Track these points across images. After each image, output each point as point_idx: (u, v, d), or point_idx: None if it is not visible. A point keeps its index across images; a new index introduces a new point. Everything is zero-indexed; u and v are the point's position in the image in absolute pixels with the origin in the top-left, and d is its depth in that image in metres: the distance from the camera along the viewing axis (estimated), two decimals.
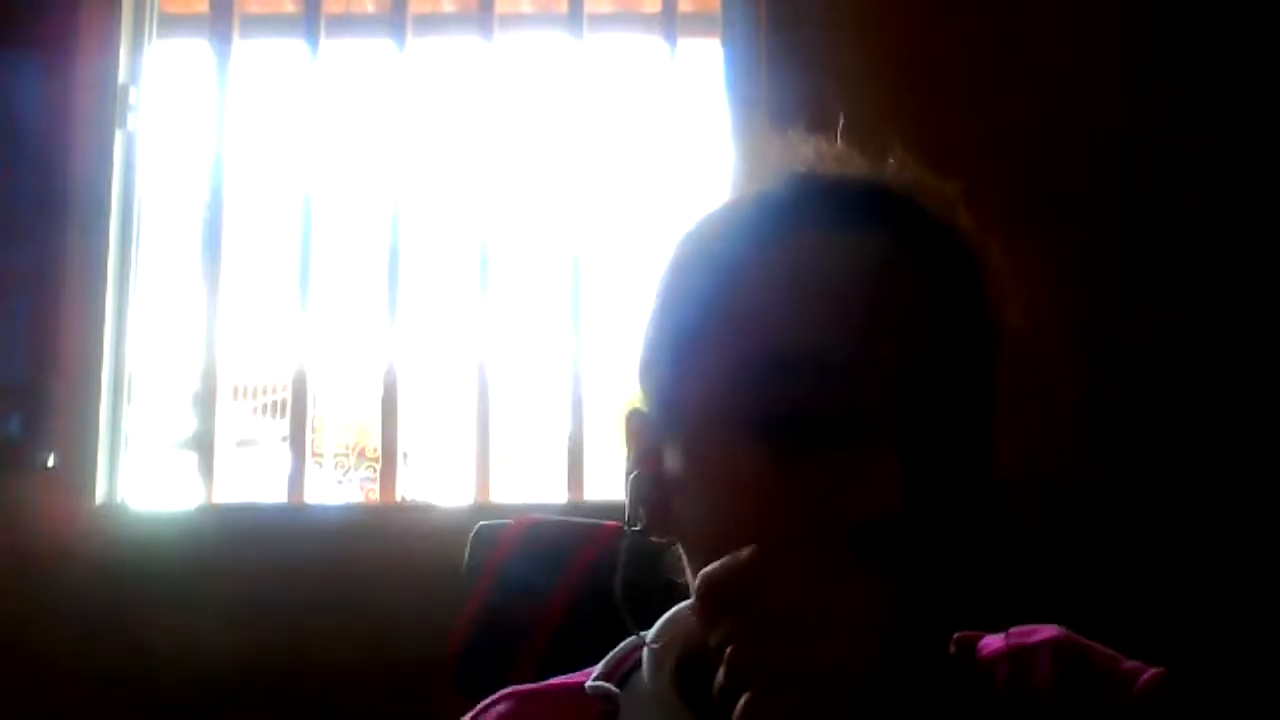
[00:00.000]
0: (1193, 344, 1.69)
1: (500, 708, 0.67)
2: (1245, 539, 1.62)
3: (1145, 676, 0.60)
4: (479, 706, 0.69)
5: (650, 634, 0.65)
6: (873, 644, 0.45)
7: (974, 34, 1.78)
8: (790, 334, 0.55)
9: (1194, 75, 1.75)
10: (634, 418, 0.64)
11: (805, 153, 0.62)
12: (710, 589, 0.49)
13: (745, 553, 0.48)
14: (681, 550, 0.62)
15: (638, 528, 0.61)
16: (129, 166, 1.90)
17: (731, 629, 0.47)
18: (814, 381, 0.53)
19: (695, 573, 0.57)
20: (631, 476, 0.62)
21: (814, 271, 0.56)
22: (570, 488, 1.81)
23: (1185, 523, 1.64)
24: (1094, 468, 1.66)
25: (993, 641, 0.64)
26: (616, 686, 0.65)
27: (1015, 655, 0.63)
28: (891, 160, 0.63)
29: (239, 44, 1.96)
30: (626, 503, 0.62)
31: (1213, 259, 1.71)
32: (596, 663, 0.69)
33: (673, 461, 0.60)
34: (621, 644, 0.68)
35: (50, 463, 1.76)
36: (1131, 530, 1.64)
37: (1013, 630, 0.65)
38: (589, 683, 0.66)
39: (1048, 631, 0.64)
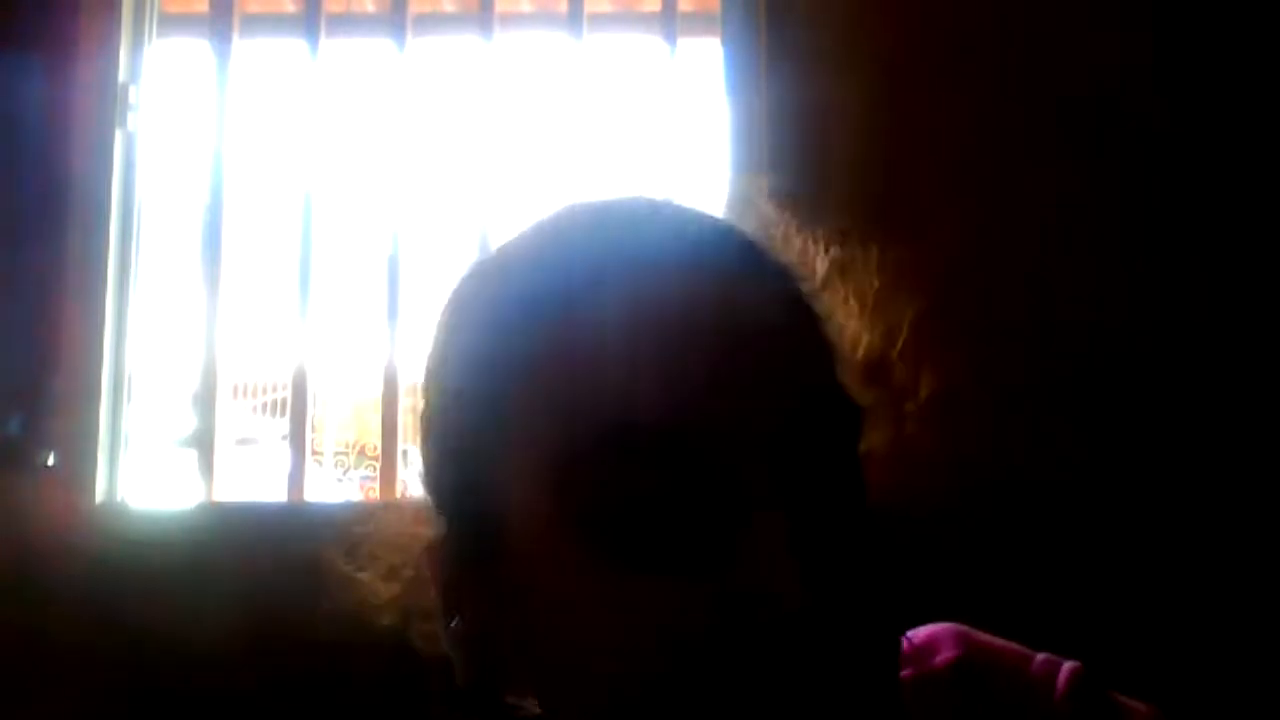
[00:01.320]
0: (1192, 345, 1.69)
1: None
2: (1240, 543, 1.62)
3: (1062, 679, 0.56)
4: None
5: None
6: None
7: (973, 33, 1.78)
8: (621, 401, 0.42)
9: (1199, 70, 1.75)
10: (433, 552, 0.50)
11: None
12: None
13: None
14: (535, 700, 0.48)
15: (476, 697, 0.49)
16: (129, 166, 1.90)
17: None
18: (658, 460, 0.41)
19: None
20: (448, 633, 0.48)
21: (635, 320, 0.43)
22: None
23: (1179, 526, 1.64)
24: (1087, 470, 1.66)
25: None
26: None
27: (922, 684, 0.55)
28: (699, 176, 0.55)
29: (239, 44, 1.96)
30: (455, 668, 0.49)
31: (1212, 259, 1.72)
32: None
33: (494, 600, 0.46)
34: None
35: (50, 462, 1.76)
36: (1118, 534, 1.64)
37: (909, 647, 0.56)
38: None
39: (947, 647, 0.57)
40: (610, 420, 0.41)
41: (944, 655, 0.56)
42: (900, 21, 1.78)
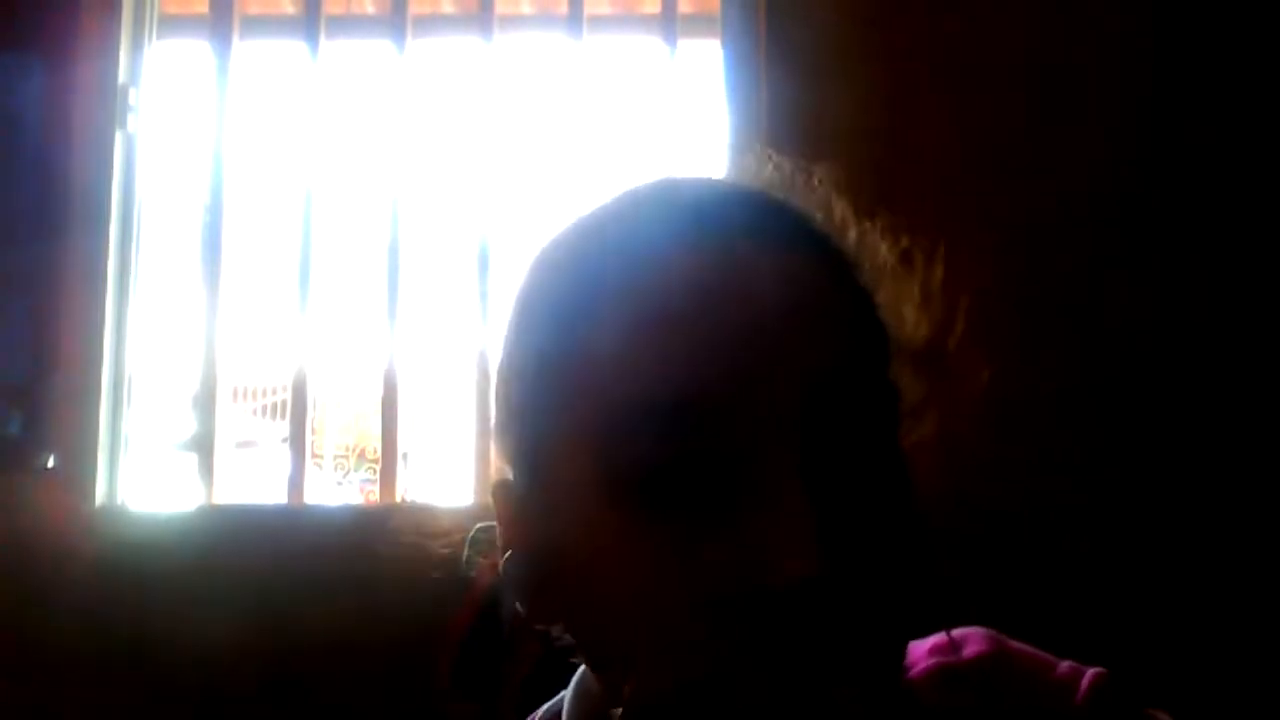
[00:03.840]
0: (1193, 346, 1.69)
1: None
2: (1237, 548, 1.62)
3: (1084, 684, 0.56)
4: None
5: (566, 705, 0.59)
6: None
7: (973, 35, 1.78)
8: (660, 377, 0.45)
9: (1194, 75, 1.75)
10: (499, 490, 0.54)
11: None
12: None
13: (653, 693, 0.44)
14: (569, 633, 0.53)
15: (521, 617, 0.53)
16: (129, 167, 1.90)
17: None
18: (695, 429, 0.44)
19: (585, 657, 0.52)
20: (505, 561, 0.53)
21: (676, 301, 0.47)
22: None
23: (1178, 530, 1.64)
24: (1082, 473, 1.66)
25: (919, 652, 0.58)
26: None
27: (946, 675, 0.57)
28: (756, 158, 0.55)
29: (239, 45, 1.96)
30: (506, 590, 0.54)
31: (1211, 261, 1.72)
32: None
33: (543, 537, 0.50)
34: (541, 712, 0.61)
35: (50, 463, 1.76)
36: (1119, 537, 1.64)
37: (939, 642, 0.58)
38: None
39: (977, 643, 0.58)
40: (643, 395, 0.45)
41: (972, 650, 0.58)
42: (900, 21, 1.78)
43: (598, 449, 0.46)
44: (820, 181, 0.54)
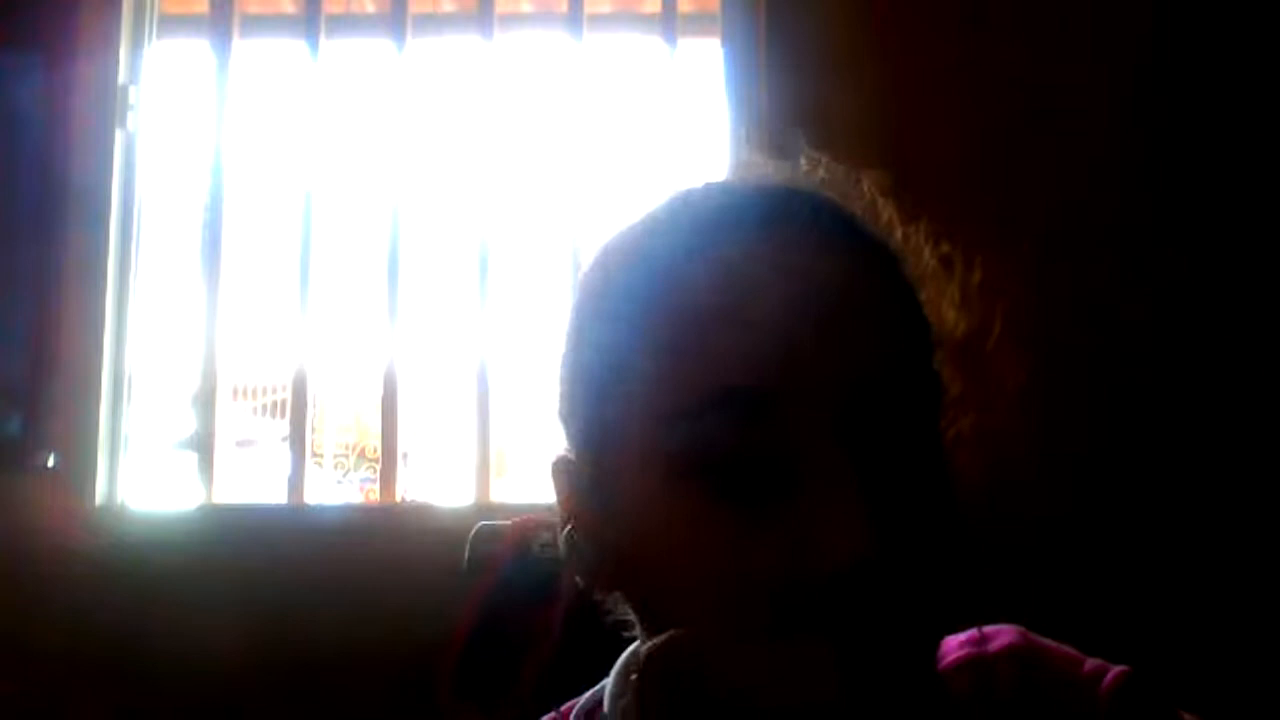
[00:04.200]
0: (1193, 346, 1.69)
1: None
2: (1237, 548, 1.62)
3: (1108, 679, 0.58)
4: None
5: (606, 698, 0.61)
6: (823, 710, 0.44)
7: (973, 35, 1.78)
8: (716, 368, 0.48)
9: (1194, 77, 1.75)
10: (559, 467, 0.58)
11: (720, 162, 0.59)
12: (650, 668, 0.47)
13: (683, 633, 0.46)
14: (625, 602, 0.57)
15: (579, 586, 0.57)
16: (129, 166, 1.90)
17: (671, 710, 0.45)
18: (749, 418, 0.47)
19: (642, 627, 0.55)
20: (564, 534, 0.56)
21: (732, 295, 0.50)
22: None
23: (1177, 529, 1.64)
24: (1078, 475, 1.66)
25: (951, 646, 0.61)
26: None
27: (975, 665, 0.59)
28: (808, 160, 0.58)
29: (239, 44, 1.96)
30: (565, 562, 0.57)
31: (1211, 263, 1.71)
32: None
33: (605, 515, 0.54)
34: (585, 697, 0.63)
35: (50, 463, 1.76)
36: (1119, 533, 1.64)
37: (970, 635, 0.61)
38: None
39: (1006, 637, 0.61)
40: (705, 383, 0.48)
41: (1001, 642, 0.61)
42: (900, 20, 1.78)
43: (661, 433, 0.49)
44: (868, 186, 0.56)
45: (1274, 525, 1.62)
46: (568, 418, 0.57)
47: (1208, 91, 1.75)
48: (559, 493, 0.58)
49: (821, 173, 0.57)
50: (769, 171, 0.58)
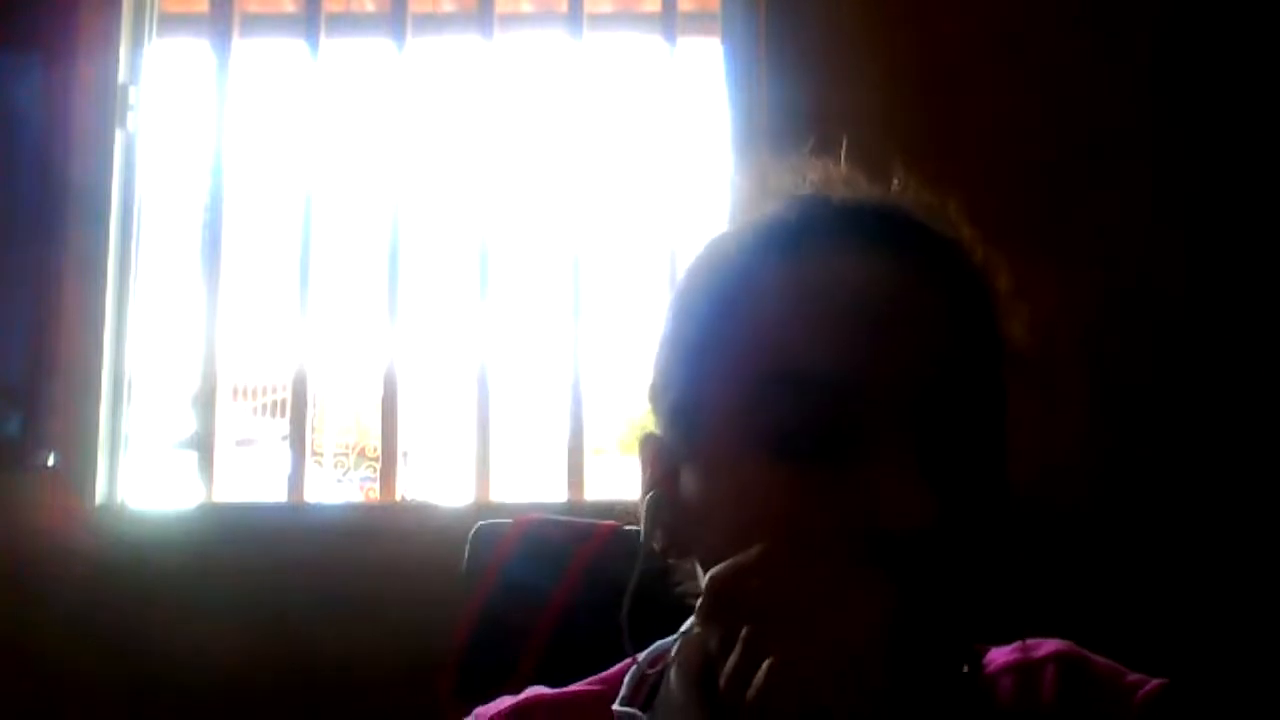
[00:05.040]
0: (1195, 348, 1.69)
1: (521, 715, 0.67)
2: (1245, 550, 1.62)
3: (1146, 688, 0.60)
4: (499, 708, 0.68)
5: (671, 651, 0.65)
6: (875, 647, 0.46)
7: (974, 34, 1.78)
8: (802, 352, 0.55)
9: (1199, 75, 1.75)
10: (648, 441, 0.64)
11: (812, 174, 0.62)
12: (716, 587, 0.50)
13: (752, 551, 0.50)
14: (698, 570, 0.61)
15: (655, 548, 0.62)
16: (129, 166, 1.89)
17: (733, 628, 0.48)
18: (826, 398, 0.53)
19: None
20: (648, 498, 0.62)
21: (824, 290, 0.56)
22: (570, 488, 1.81)
23: (1188, 534, 1.64)
24: (1099, 481, 1.66)
25: (999, 655, 0.65)
26: (641, 710, 0.64)
27: (1020, 669, 0.63)
28: (895, 180, 0.63)
29: (239, 43, 1.96)
30: (643, 525, 0.62)
31: (1213, 267, 1.72)
32: (597, 662, 0.69)
33: (687, 483, 0.60)
34: (640, 660, 0.67)
35: (50, 462, 1.76)
36: (1134, 541, 1.64)
37: (1018, 644, 0.65)
38: (616, 706, 0.65)
39: (1052, 645, 0.64)
40: (788, 368, 0.55)
41: (1047, 649, 0.64)
42: (900, 19, 1.78)
43: (750, 414, 0.55)
44: (953, 209, 0.62)
45: None
46: (660, 398, 0.64)
47: (1227, 88, 1.75)
48: (645, 464, 0.64)
49: (911, 192, 0.63)
50: (864, 187, 0.63)
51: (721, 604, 0.50)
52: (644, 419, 0.66)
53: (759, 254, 0.59)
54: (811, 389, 0.54)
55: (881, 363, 0.54)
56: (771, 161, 0.65)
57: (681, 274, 0.66)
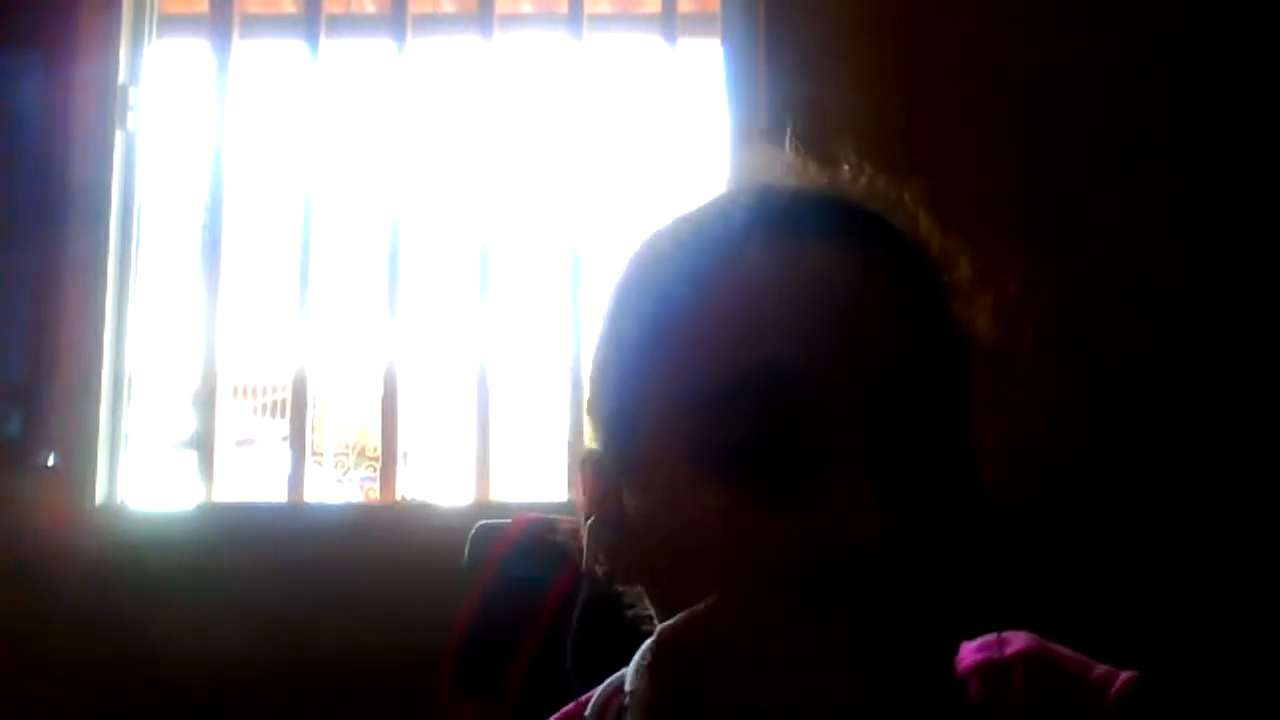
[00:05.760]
0: (1192, 347, 1.69)
1: None
2: (1230, 549, 1.62)
3: (1118, 683, 0.58)
4: None
5: (627, 681, 0.62)
6: (844, 689, 0.43)
7: (973, 34, 1.78)
8: (748, 356, 0.50)
9: (1196, 74, 1.75)
10: (588, 458, 0.59)
11: (757, 163, 0.59)
12: (666, 643, 0.46)
13: (699, 607, 0.46)
14: (645, 596, 0.57)
15: (599, 574, 0.57)
16: (129, 166, 1.90)
17: (688, 687, 0.45)
18: (777, 406, 0.49)
19: (660, 619, 0.54)
20: (589, 522, 0.57)
21: (769, 288, 0.52)
22: (570, 487, 1.81)
23: (1173, 529, 1.64)
24: (1076, 475, 1.66)
25: (966, 653, 0.61)
26: None
27: (987, 669, 0.60)
28: (847, 166, 0.59)
29: (239, 44, 1.96)
30: (585, 551, 0.58)
31: (1210, 263, 1.72)
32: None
33: (629, 503, 0.55)
34: (602, 687, 0.63)
35: (50, 463, 1.76)
36: (1128, 542, 1.64)
37: (983, 641, 0.62)
38: None
39: (1018, 642, 0.62)
40: (728, 377, 0.50)
41: (1015, 647, 0.62)
42: (900, 19, 1.78)
43: (686, 424, 0.51)
44: (910, 197, 0.57)
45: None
46: (600, 406, 0.59)
47: (1231, 83, 1.75)
48: (585, 484, 0.59)
49: (863, 181, 0.58)
50: (813, 176, 0.59)
51: (671, 666, 0.46)
52: (587, 433, 0.61)
53: (698, 249, 0.55)
54: (759, 396, 0.49)
55: (834, 365, 0.49)
56: (727, 152, 0.61)
57: (618, 270, 0.61)
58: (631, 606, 0.60)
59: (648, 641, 0.58)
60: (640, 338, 0.56)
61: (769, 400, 0.49)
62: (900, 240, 0.56)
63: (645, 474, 0.54)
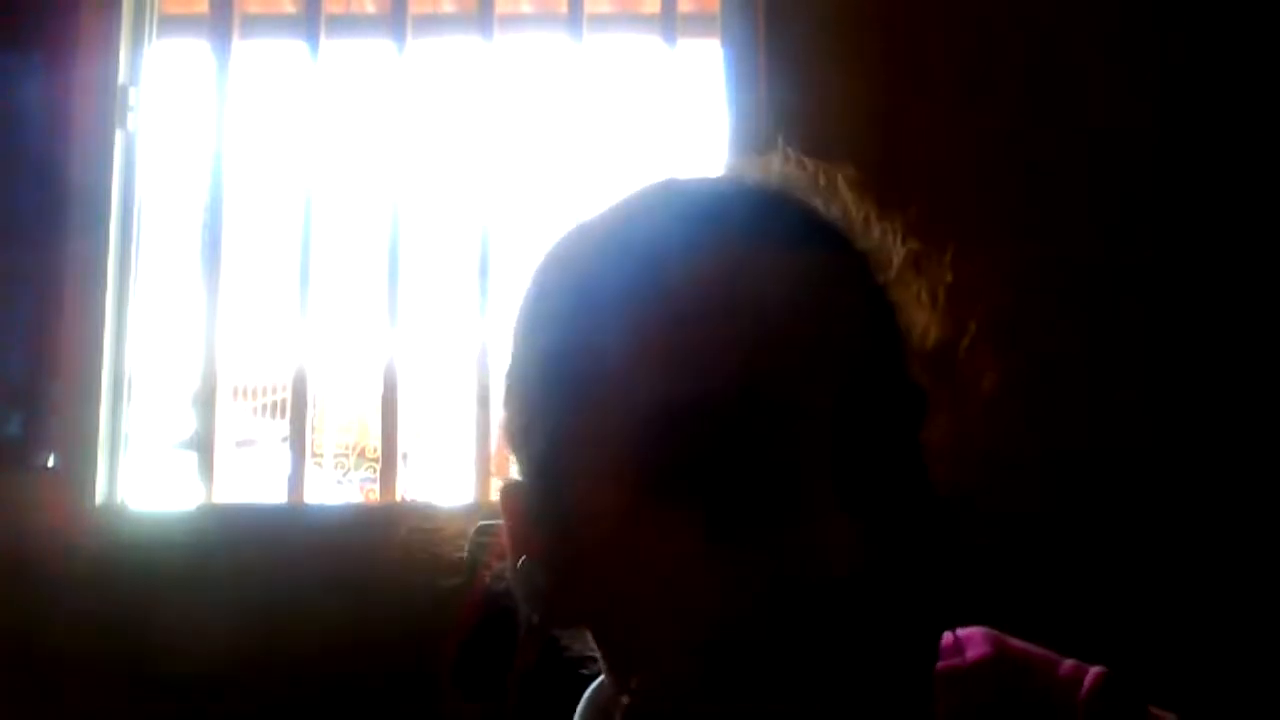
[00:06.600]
0: (1190, 347, 1.69)
1: None
2: (1201, 542, 1.62)
3: (1088, 681, 0.57)
4: None
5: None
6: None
7: (972, 34, 1.78)
8: (690, 374, 0.44)
9: (1193, 76, 1.75)
10: (510, 491, 0.52)
11: (718, 162, 0.56)
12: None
13: (656, 686, 0.43)
14: (590, 638, 0.53)
15: (535, 622, 0.52)
16: (129, 167, 1.90)
17: None
18: (725, 428, 0.43)
19: (608, 661, 0.52)
20: (518, 565, 0.51)
21: (706, 297, 0.46)
22: None
23: (1199, 532, 1.64)
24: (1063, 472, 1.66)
25: None
26: None
27: (950, 678, 0.56)
28: (785, 158, 0.55)
29: (239, 44, 1.96)
30: (518, 596, 0.52)
31: (1209, 263, 1.72)
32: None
33: (564, 542, 0.49)
34: None
35: (50, 463, 1.76)
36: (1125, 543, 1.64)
37: (945, 644, 0.57)
38: None
39: (978, 645, 0.59)
40: (668, 395, 0.44)
41: (975, 652, 0.58)
42: (900, 21, 1.78)
43: (621, 449, 0.45)
44: (843, 182, 0.53)
45: (1267, 524, 1.62)
46: (522, 432, 0.52)
47: (1215, 89, 1.75)
48: (509, 521, 0.52)
49: (793, 169, 0.54)
50: (744, 168, 0.54)
51: None
52: (509, 464, 0.54)
53: (636, 251, 0.49)
54: (708, 419, 0.43)
55: (783, 379, 0.44)
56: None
57: (528, 282, 0.55)
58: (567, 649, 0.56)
59: (590, 689, 0.56)
60: (561, 360, 0.49)
61: (714, 422, 0.43)
62: (834, 233, 0.51)
63: (586, 508, 0.48)
